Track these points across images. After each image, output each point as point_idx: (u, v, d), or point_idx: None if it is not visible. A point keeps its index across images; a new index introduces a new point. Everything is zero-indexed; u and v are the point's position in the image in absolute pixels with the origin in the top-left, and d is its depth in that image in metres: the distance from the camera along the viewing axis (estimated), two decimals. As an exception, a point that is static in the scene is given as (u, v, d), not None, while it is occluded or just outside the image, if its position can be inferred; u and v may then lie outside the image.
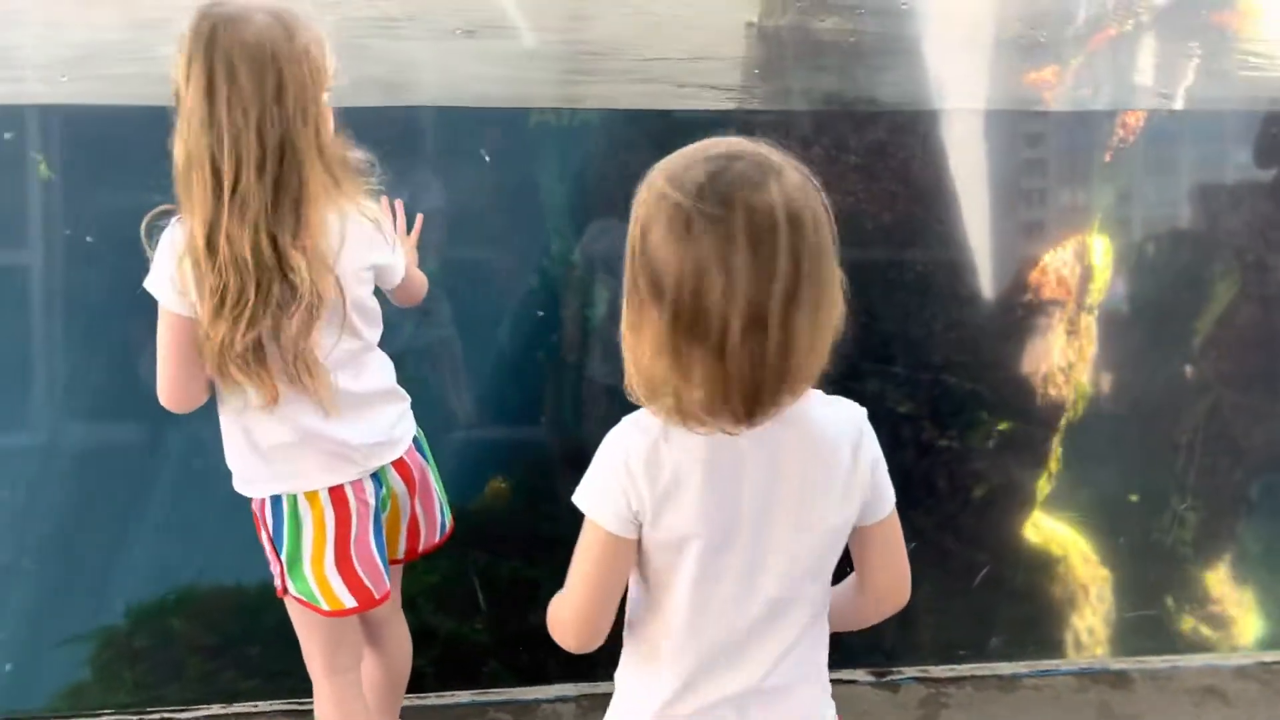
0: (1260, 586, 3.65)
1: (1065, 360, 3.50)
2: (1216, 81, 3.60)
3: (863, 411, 1.34)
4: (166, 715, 2.78)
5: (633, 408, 1.26)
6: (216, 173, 1.59)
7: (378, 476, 1.90)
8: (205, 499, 2.52)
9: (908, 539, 1.43)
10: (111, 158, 2.79)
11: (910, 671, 2.44)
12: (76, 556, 2.83)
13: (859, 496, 1.31)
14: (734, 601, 1.29)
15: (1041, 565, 3.52)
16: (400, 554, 2.04)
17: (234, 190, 1.58)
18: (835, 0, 3.25)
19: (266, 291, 1.62)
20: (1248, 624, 3.60)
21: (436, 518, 2.07)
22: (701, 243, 1.11)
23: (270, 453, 1.83)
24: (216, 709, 2.79)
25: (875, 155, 3.06)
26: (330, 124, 1.72)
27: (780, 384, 1.17)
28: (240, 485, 1.93)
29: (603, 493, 1.27)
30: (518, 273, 3.36)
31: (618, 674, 1.43)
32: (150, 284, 1.73)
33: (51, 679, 2.88)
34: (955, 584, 3.21)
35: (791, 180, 1.18)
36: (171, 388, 1.75)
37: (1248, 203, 3.56)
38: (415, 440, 2.03)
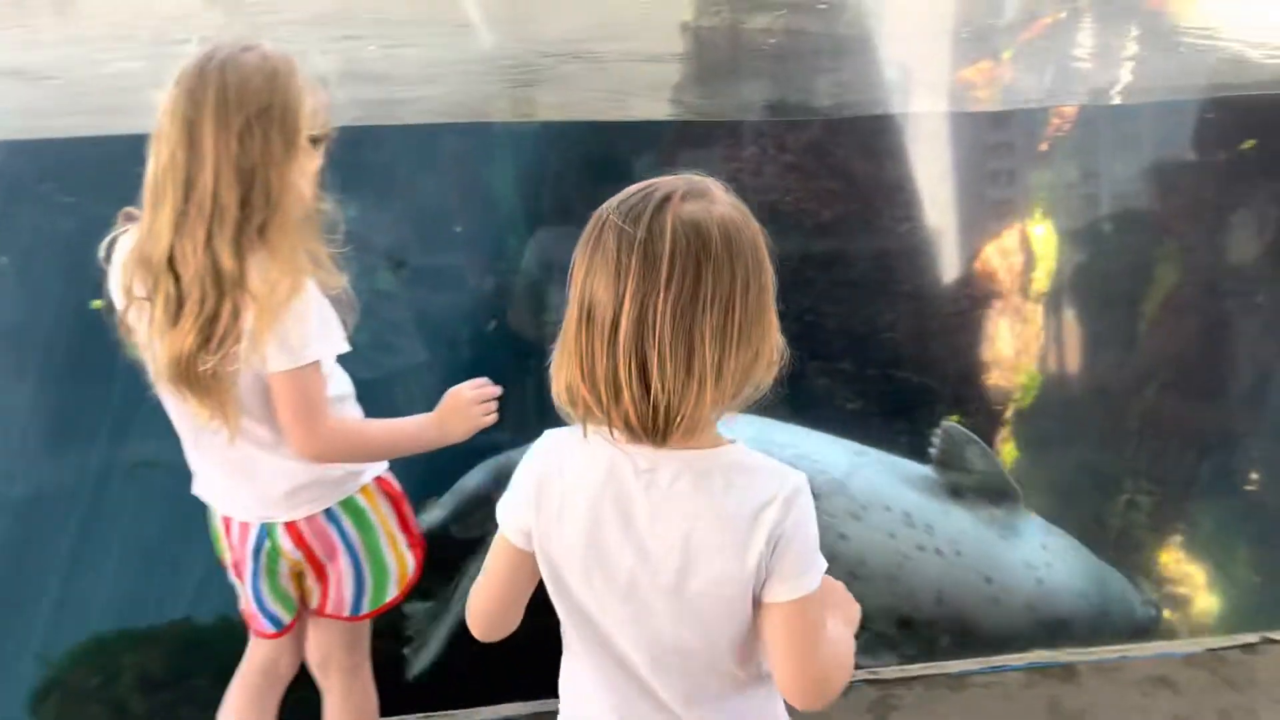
0: (1213, 566, 3.69)
1: (1013, 349, 3.52)
2: (1154, 68, 3.63)
3: (793, 482, 1.24)
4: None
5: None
6: (188, 195, 1.59)
7: (265, 529, 1.88)
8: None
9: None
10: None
11: (860, 674, 2.44)
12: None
13: (750, 567, 1.22)
14: (622, 639, 1.29)
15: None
16: (313, 607, 1.97)
17: (198, 211, 1.58)
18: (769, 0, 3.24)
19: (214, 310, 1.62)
20: (1201, 605, 3.64)
21: (341, 595, 1.94)
22: (608, 249, 1.18)
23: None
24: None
25: (811, 154, 3.05)
26: (311, 170, 1.68)
27: (678, 403, 1.17)
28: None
29: (510, 505, 1.32)
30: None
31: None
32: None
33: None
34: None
35: (708, 203, 1.20)
36: None
37: (1189, 188, 3.59)
38: (335, 515, 1.92)
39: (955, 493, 2.93)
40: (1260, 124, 3.39)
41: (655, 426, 1.19)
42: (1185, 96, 3.47)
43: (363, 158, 3.22)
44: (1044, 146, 3.33)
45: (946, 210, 3.19)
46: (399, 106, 3.33)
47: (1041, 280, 3.53)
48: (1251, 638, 2.67)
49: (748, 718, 1.35)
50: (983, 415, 3.49)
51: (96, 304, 1.76)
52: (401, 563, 1.94)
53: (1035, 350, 3.56)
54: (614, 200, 1.22)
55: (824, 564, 1.26)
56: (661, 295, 1.15)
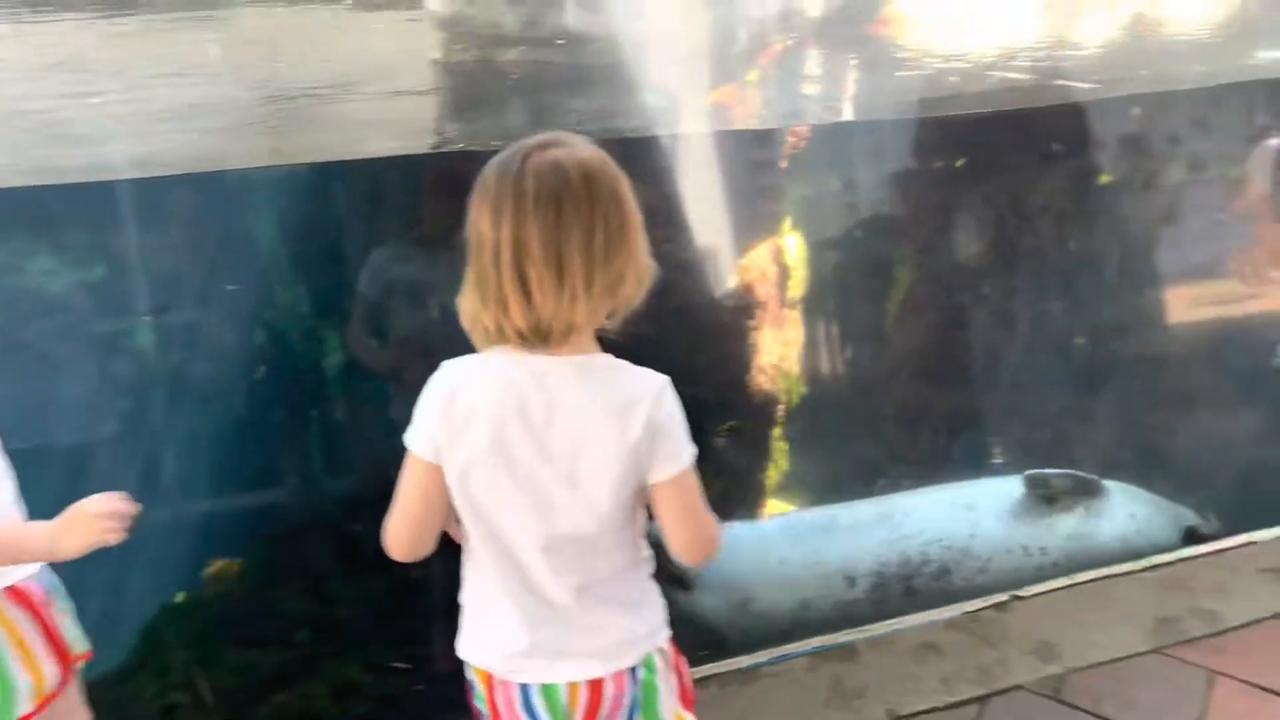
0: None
1: (775, 355, 3.74)
2: (876, 89, 3.95)
3: (660, 380, 1.48)
4: None
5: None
6: None
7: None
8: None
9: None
10: None
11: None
12: None
13: (632, 454, 1.44)
14: (521, 535, 1.48)
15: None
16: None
17: None
18: (515, 33, 3.31)
19: None
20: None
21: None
22: (488, 193, 1.41)
23: None
24: None
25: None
26: None
27: (554, 310, 1.40)
28: None
29: (419, 425, 1.49)
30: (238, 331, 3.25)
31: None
32: None
33: None
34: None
35: (567, 148, 1.43)
36: None
37: (916, 195, 3.94)
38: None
39: (1050, 503, 3.39)
40: (971, 139, 3.77)
41: (540, 332, 1.42)
42: (907, 112, 3.79)
43: (112, 214, 3.09)
44: (784, 164, 3.56)
45: (702, 227, 3.36)
46: (139, 159, 3.19)
47: (797, 287, 3.78)
48: (1002, 597, 2.94)
49: (631, 599, 1.56)
50: (753, 419, 3.69)
51: None
52: (38, 677, 1.80)
53: (796, 353, 3.80)
54: (493, 161, 1.45)
55: (693, 447, 1.50)
56: (531, 222, 1.38)
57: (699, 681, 2.59)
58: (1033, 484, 3.44)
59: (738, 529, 3.45)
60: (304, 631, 3.12)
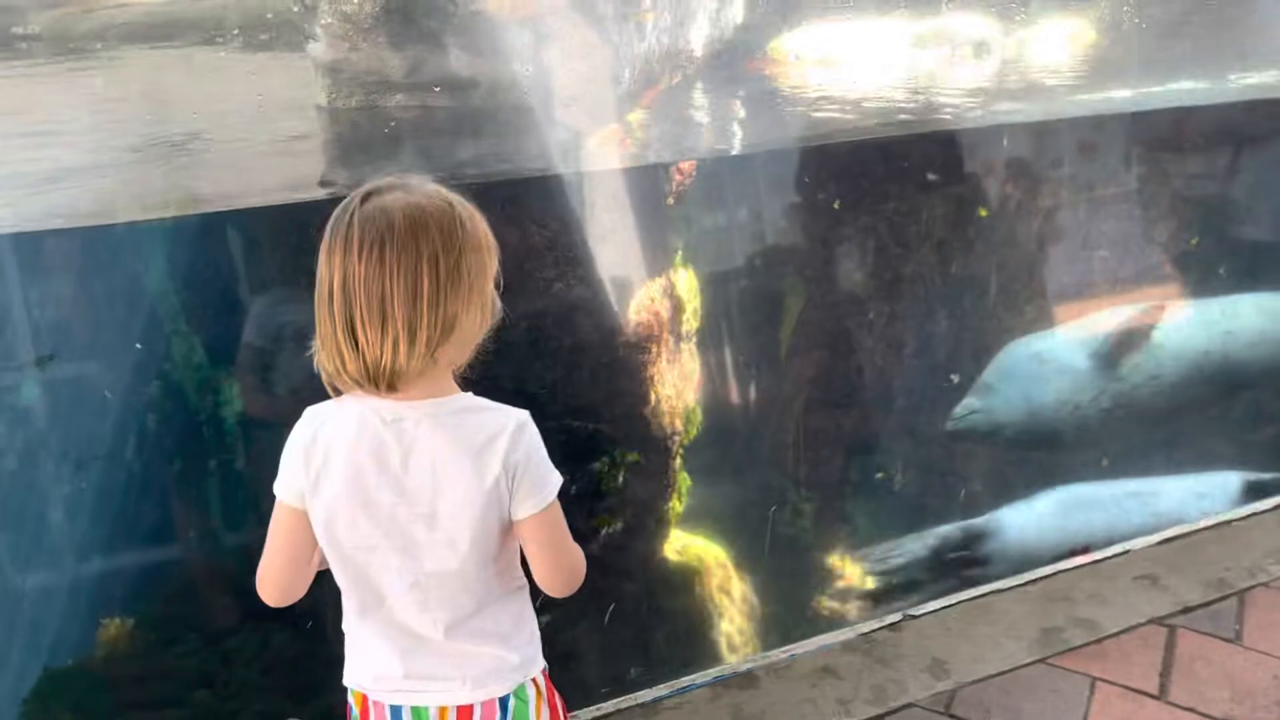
0: (861, 558, 4.15)
1: (672, 388, 3.79)
2: (761, 123, 4.07)
3: (517, 418, 1.49)
4: None
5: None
6: None
7: None
8: None
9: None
10: None
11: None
12: None
13: (492, 492, 1.46)
14: (387, 573, 1.50)
15: (681, 583, 3.80)
16: None
17: None
18: (403, 80, 3.32)
19: None
20: (855, 594, 4.08)
21: None
22: (325, 238, 1.42)
23: None
24: None
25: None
26: None
27: (380, 356, 1.40)
28: None
29: (283, 472, 1.51)
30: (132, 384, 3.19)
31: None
32: None
33: None
34: (595, 625, 3.38)
35: (403, 191, 1.44)
36: None
37: (802, 226, 4.05)
38: None
39: None
40: (847, 168, 3.90)
41: (374, 378, 1.43)
42: (788, 146, 3.91)
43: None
44: (671, 200, 3.63)
45: (594, 265, 3.40)
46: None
47: (690, 320, 3.84)
48: (895, 617, 3.03)
49: (501, 629, 1.58)
50: (654, 452, 3.74)
51: None
52: None
53: (693, 385, 3.86)
54: (343, 202, 1.46)
55: (559, 479, 1.52)
56: (355, 268, 1.39)
57: (603, 719, 2.61)
58: None
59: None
60: (202, 691, 3.05)
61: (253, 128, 3.45)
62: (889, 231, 4.05)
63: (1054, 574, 3.17)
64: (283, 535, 1.53)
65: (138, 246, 3.30)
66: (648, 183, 3.51)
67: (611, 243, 3.46)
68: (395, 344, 1.40)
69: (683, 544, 3.94)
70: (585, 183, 3.40)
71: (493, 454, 1.46)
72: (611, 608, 3.39)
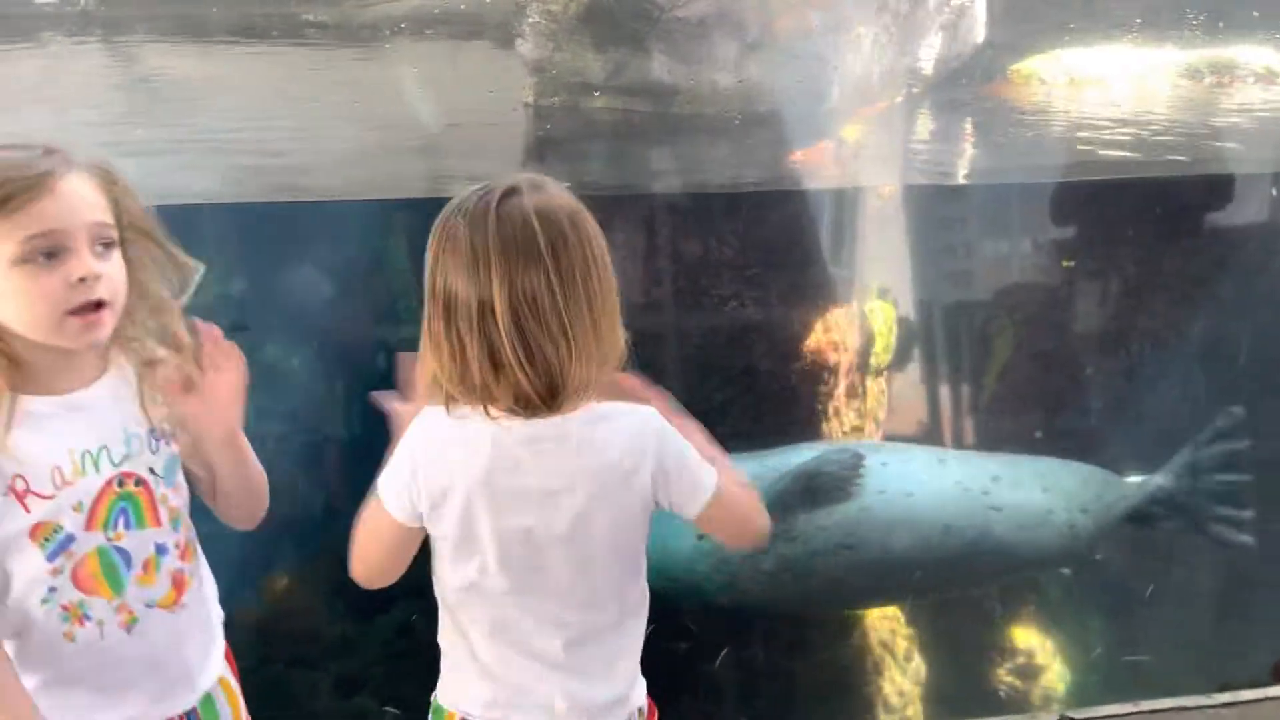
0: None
1: (850, 423, 3.58)
2: (988, 152, 3.76)
3: (648, 421, 1.37)
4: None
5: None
6: None
7: None
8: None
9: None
10: None
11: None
12: None
13: (637, 498, 1.37)
14: (508, 594, 1.39)
15: (837, 631, 3.58)
16: None
17: None
18: (603, 82, 3.31)
19: None
20: (1030, 675, 3.70)
21: None
22: (459, 246, 1.27)
23: None
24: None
25: (642, 233, 3.10)
26: None
27: (566, 369, 1.28)
28: None
29: (393, 487, 1.38)
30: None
31: None
32: None
33: None
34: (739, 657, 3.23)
35: (548, 194, 1.31)
36: None
37: (1019, 265, 3.70)
38: None
39: None
40: (1082, 206, 3.51)
41: (546, 395, 1.29)
42: (1014, 178, 3.58)
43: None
44: (872, 227, 3.41)
45: (775, 287, 3.25)
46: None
47: (881, 355, 3.61)
48: (1052, 717, 2.70)
49: (621, 650, 1.46)
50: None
51: None
52: None
53: (875, 422, 3.62)
54: (452, 207, 1.31)
55: (711, 469, 1.38)
56: (527, 277, 1.26)
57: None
58: None
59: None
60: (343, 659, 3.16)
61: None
62: (1121, 280, 3.62)
63: (1257, 700, 2.73)
64: (385, 540, 1.43)
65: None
66: (847, 207, 3.31)
67: (798, 266, 3.29)
68: (582, 353, 1.28)
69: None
70: (778, 202, 3.25)
71: (640, 465, 1.36)
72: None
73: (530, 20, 3.20)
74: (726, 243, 3.19)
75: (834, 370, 3.40)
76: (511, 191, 1.30)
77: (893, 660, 3.79)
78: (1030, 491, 3.16)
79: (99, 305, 1.31)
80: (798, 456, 2.98)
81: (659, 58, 3.22)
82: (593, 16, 3.15)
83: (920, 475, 3.05)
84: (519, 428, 1.33)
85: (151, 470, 1.39)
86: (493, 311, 1.27)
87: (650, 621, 1.49)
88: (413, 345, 1.42)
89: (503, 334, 1.27)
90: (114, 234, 1.33)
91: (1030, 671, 3.86)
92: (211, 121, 3.76)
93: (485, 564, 1.38)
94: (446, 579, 1.42)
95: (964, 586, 3.28)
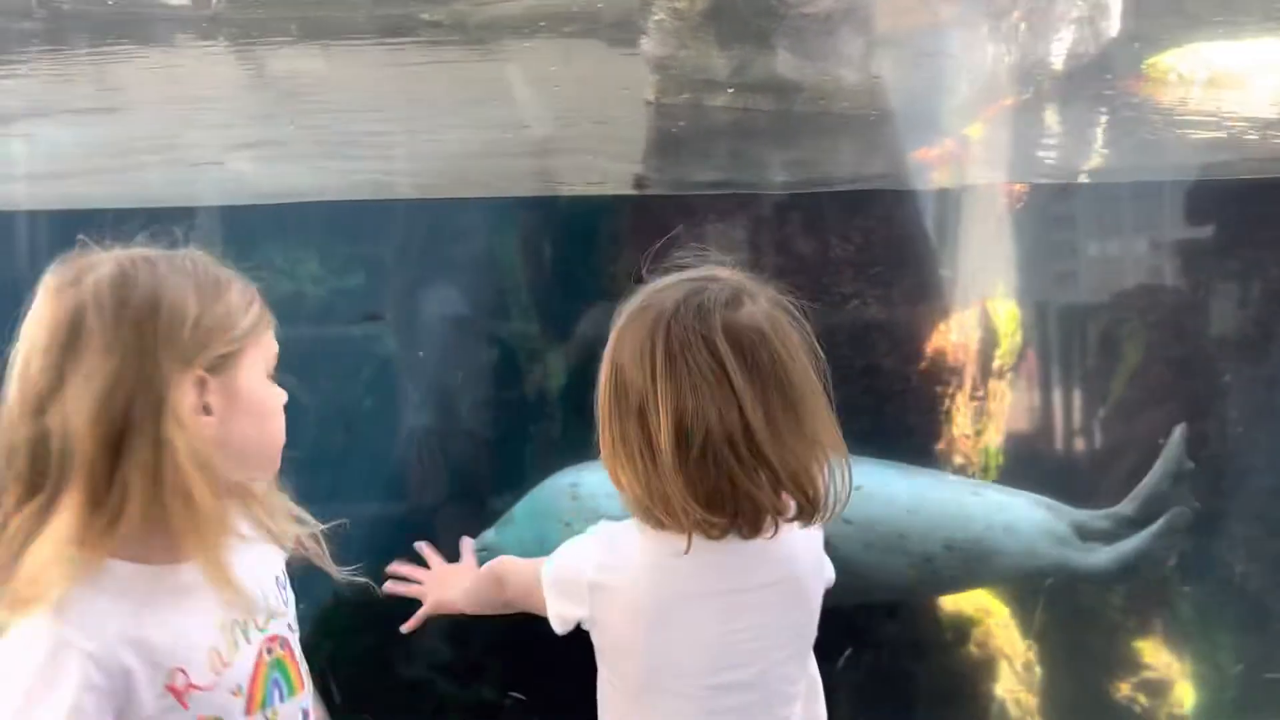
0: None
1: (972, 427, 3.50)
2: (1122, 150, 3.63)
3: (819, 542, 1.34)
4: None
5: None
6: None
7: None
8: None
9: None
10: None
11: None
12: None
13: (816, 610, 1.35)
14: (681, 699, 1.31)
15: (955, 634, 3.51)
16: None
17: None
18: (727, 79, 3.31)
19: None
20: (1155, 692, 3.57)
21: None
22: (700, 368, 1.16)
23: None
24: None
25: (760, 232, 3.08)
26: None
27: (759, 491, 1.20)
28: None
29: (562, 593, 1.32)
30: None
31: None
32: None
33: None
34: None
35: (765, 302, 1.23)
36: None
37: (1151, 267, 3.57)
38: None
39: None
40: (1216, 208, 3.37)
41: (755, 526, 1.23)
42: (1147, 177, 3.46)
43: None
44: (998, 226, 3.33)
45: (897, 286, 3.20)
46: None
47: (1005, 357, 3.52)
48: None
49: None
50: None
51: None
52: None
53: (997, 427, 3.54)
54: (672, 310, 1.19)
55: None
56: (767, 403, 1.17)
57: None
58: None
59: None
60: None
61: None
62: (1263, 284, 3.47)
63: None
64: (519, 605, 1.43)
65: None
66: (972, 205, 3.24)
67: (921, 266, 3.23)
68: (774, 486, 1.20)
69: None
70: (899, 200, 3.20)
71: (819, 582, 1.35)
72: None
73: (655, 18, 3.21)
74: (849, 240, 3.15)
75: (958, 371, 3.33)
76: (734, 303, 1.20)
77: (1010, 668, 3.71)
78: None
79: None
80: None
81: (784, 54, 3.20)
82: (718, 13, 3.15)
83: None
84: (725, 560, 1.27)
85: (289, 625, 1.22)
86: (737, 439, 1.17)
87: None
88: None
89: (742, 464, 1.18)
90: None
91: (1158, 688, 3.73)
92: (334, 122, 3.86)
93: (663, 678, 1.31)
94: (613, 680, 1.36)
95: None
